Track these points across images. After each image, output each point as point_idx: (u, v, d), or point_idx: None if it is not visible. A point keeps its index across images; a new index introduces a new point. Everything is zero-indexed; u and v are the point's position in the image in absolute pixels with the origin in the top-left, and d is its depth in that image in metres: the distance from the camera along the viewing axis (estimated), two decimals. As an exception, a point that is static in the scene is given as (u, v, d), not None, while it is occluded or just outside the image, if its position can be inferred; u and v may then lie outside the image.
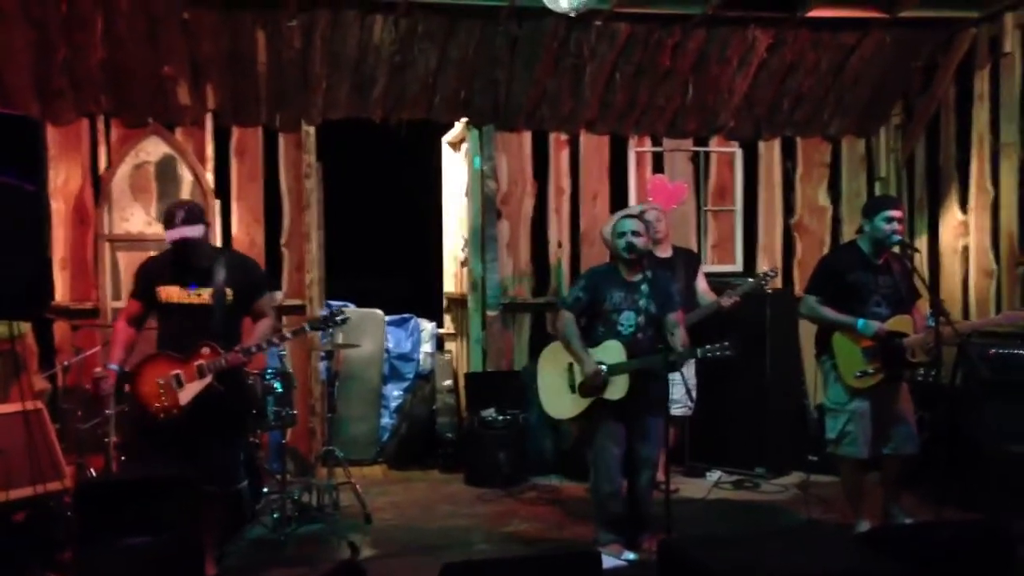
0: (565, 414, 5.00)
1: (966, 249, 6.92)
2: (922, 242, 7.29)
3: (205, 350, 4.31)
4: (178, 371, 4.29)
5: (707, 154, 7.50)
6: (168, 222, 4.31)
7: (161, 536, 3.73)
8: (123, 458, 5.15)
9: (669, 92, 7.05)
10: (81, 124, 6.43)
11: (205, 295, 4.38)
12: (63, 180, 6.39)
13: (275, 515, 5.19)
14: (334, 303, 7.58)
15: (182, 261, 4.37)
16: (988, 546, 4.00)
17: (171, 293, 4.37)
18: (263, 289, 4.65)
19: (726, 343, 4.74)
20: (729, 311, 5.77)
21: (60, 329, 6.29)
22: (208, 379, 4.29)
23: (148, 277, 4.45)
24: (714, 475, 6.49)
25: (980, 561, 3.93)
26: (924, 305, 5.14)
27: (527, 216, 7.24)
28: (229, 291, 4.41)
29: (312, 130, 6.72)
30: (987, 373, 5.51)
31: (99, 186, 6.44)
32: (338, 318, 4.73)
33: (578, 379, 4.85)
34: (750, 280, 5.98)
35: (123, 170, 6.44)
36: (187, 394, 4.28)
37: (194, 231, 4.29)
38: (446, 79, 6.69)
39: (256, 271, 4.73)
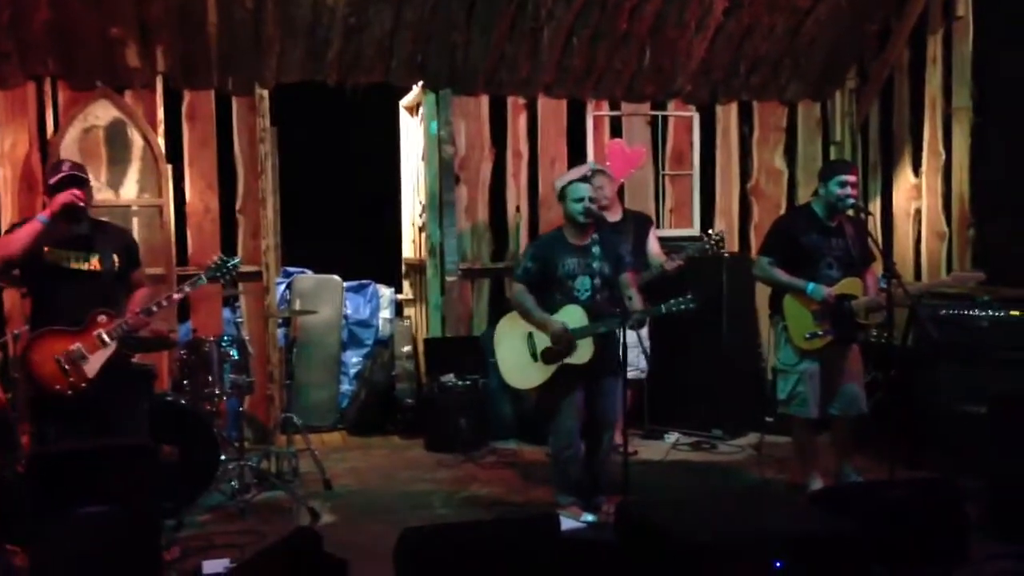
0: (530, 383, 4.99)
1: (918, 212, 7.02)
2: (876, 205, 7.38)
3: (102, 318, 4.20)
4: (77, 344, 4.15)
5: (665, 118, 7.50)
6: (54, 169, 4.21)
7: (117, 505, 3.70)
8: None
9: (626, 56, 7.03)
10: (28, 88, 6.26)
11: (94, 260, 4.25)
12: (10, 145, 6.23)
13: (233, 483, 5.17)
14: (291, 269, 7.52)
15: (68, 219, 4.20)
16: (937, 504, 4.11)
17: (59, 257, 4.19)
18: (140, 259, 4.59)
19: (689, 296, 4.76)
20: (673, 273, 5.78)
21: (10, 297, 6.17)
22: (112, 346, 4.19)
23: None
24: (672, 437, 6.57)
25: (929, 519, 4.03)
26: (878, 267, 5.22)
27: (485, 181, 7.20)
28: (116, 257, 4.31)
29: (266, 94, 6.60)
30: (937, 334, 5.61)
31: (47, 151, 6.28)
32: (231, 263, 4.54)
33: (540, 347, 4.85)
34: (697, 243, 6.00)
35: (71, 135, 6.28)
36: (93, 366, 4.16)
37: (83, 189, 4.20)
38: (402, 42, 6.60)
39: (134, 241, 4.66)
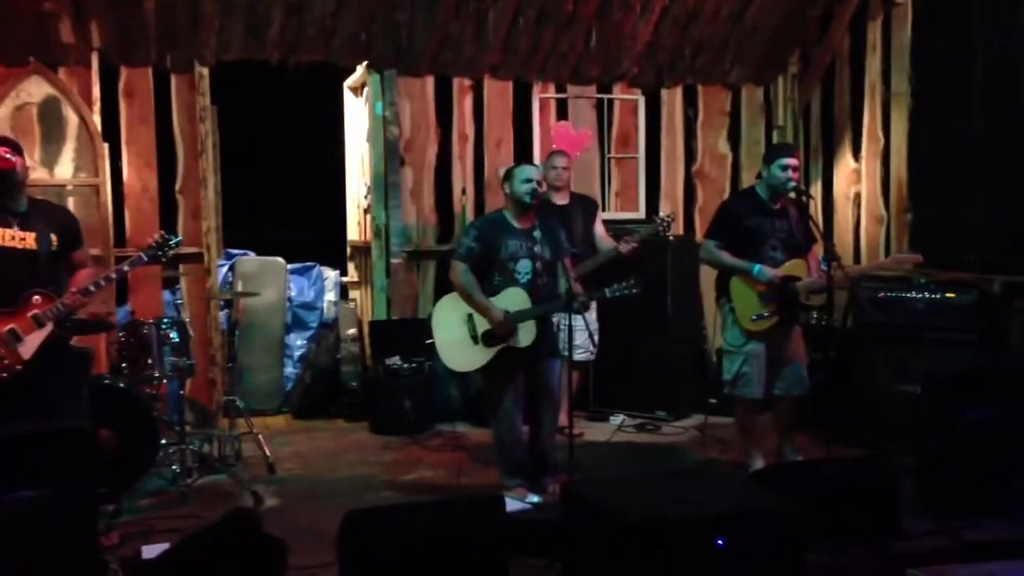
0: (469, 366, 4.96)
1: (858, 196, 7.13)
2: (817, 189, 7.49)
3: (36, 298, 4.09)
4: (11, 325, 4.04)
5: (610, 101, 7.52)
6: None
7: (54, 489, 3.61)
8: None
9: (572, 38, 7.02)
10: (-44, 63, 6.07)
11: (29, 239, 4.13)
12: (-62, 122, 6.04)
13: (174, 467, 5.09)
14: (234, 251, 7.40)
15: (2, 190, 4.09)
16: (872, 481, 4.21)
17: None
18: (82, 240, 4.45)
19: (632, 281, 4.79)
20: (628, 256, 5.82)
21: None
22: (48, 327, 4.09)
23: None
24: (617, 419, 6.61)
25: (864, 495, 4.12)
26: (819, 249, 5.30)
27: (431, 163, 7.15)
28: (54, 236, 4.19)
29: (206, 71, 6.46)
30: (876, 316, 5.73)
31: (-23, 129, 6.10)
32: (172, 242, 4.42)
33: (480, 329, 4.83)
34: (648, 226, 6.04)
35: (3, 112, 6.07)
36: (29, 347, 4.05)
37: (17, 160, 4.07)
38: (345, 21, 6.51)
39: (75, 221, 4.51)
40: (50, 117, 6.17)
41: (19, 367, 4.05)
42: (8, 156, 4.07)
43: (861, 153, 7.08)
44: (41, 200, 4.46)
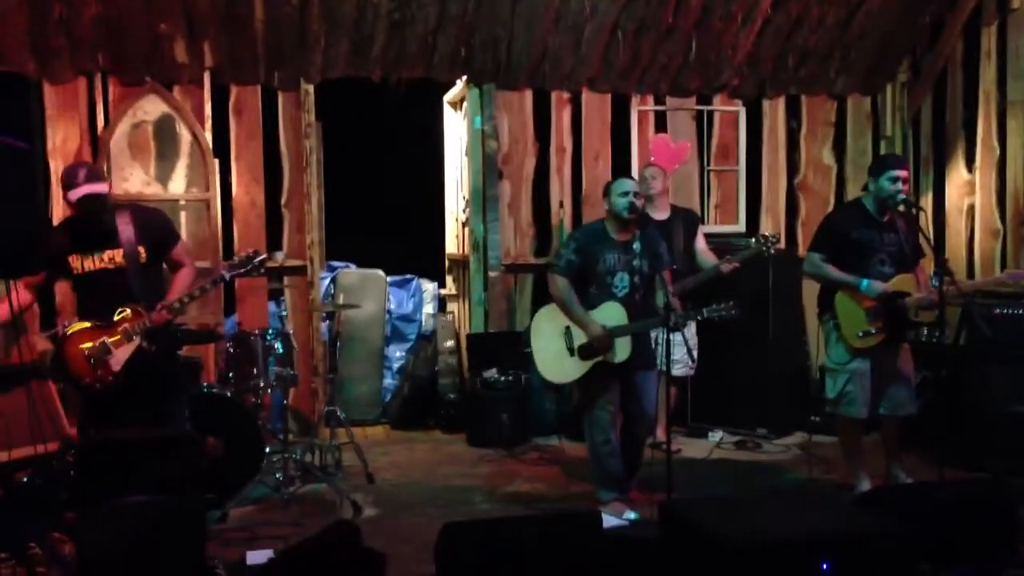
0: (565, 378, 4.98)
1: (972, 208, 6.87)
2: (927, 201, 7.24)
3: (127, 313, 4.25)
4: (103, 338, 4.22)
5: (710, 113, 7.42)
6: (70, 183, 4.17)
7: (163, 494, 3.74)
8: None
9: (672, 50, 6.96)
10: (78, 83, 6.35)
11: (117, 256, 4.29)
12: (61, 140, 6.33)
13: (278, 475, 5.21)
14: (336, 264, 7.56)
15: (89, 223, 4.26)
16: (987, 504, 4.02)
17: (83, 261, 4.27)
18: (175, 237, 4.57)
19: (731, 303, 4.74)
20: (728, 276, 5.74)
21: (61, 289, 6.25)
22: (136, 341, 4.23)
23: (54, 249, 4.27)
24: (716, 435, 6.50)
25: (979, 519, 3.94)
26: (928, 264, 5.11)
27: (528, 176, 7.19)
28: (142, 249, 4.33)
29: (311, 88, 6.64)
30: (990, 333, 5.48)
31: (97, 146, 6.38)
32: (257, 260, 4.53)
33: (577, 342, 4.83)
34: (752, 244, 5.92)
35: (121, 129, 6.37)
36: (118, 360, 4.22)
37: (100, 187, 4.21)
38: (446, 37, 6.60)
39: (164, 222, 4.59)
40: (165, 134, 6.43)
41: (110, 379, 4.22)
42: (96, 189, 4.20)
43: (975, 164, 6.81)
44: (126, 206, 4.54)
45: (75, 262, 4.28)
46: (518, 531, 3.58)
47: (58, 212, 6.27)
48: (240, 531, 4.65)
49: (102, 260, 4.29)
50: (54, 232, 4.49)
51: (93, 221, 4.26)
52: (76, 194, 4.17)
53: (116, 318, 4.25)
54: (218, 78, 6.52)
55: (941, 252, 6.09)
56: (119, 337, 4.23)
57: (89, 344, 4.21)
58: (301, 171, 6.70)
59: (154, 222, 4.50)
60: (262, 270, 4.65)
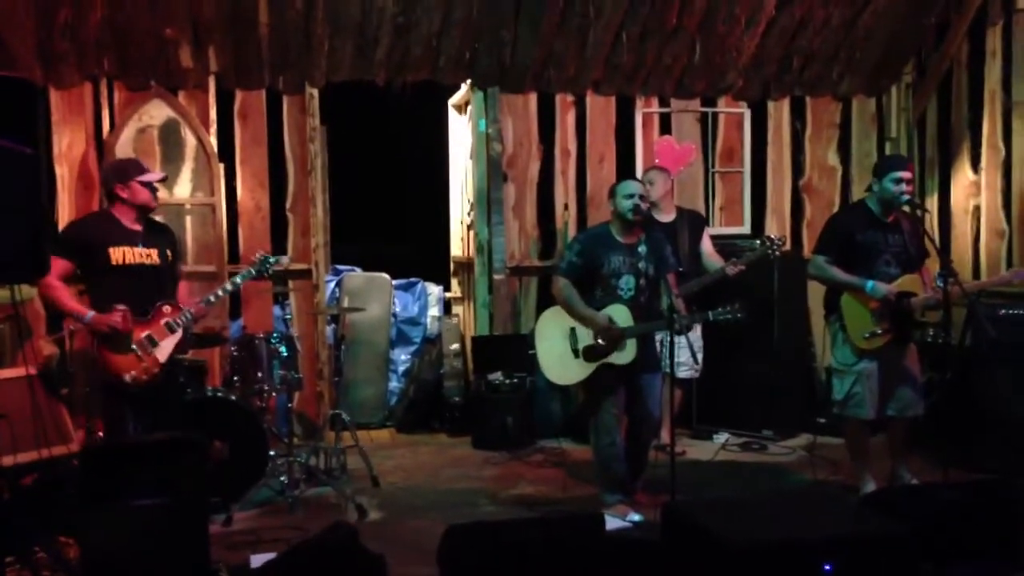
0: (569, 380, 4.98)
1: (977, 209, 6.85)
2: (933, 202, 7.22)
3: (167, 308, 4.46)
4: (148, 331, 4.40)
5: (715, 115, 7.41)
6: (133, 172, 4.46)
7: (168, 497, 3.75)
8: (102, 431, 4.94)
9: (676, 52, 6.96)
10: (84, 88, 6.37)
11: (154, 254, 4.51)
12: (67, 145, 6.35)
13: (282, 478, 5.21)
14: (341, 267, 7.57)
15: (138, 218, 4.49)
16: (991, 505, 4.00)
17: (126, 254, 4.42)
18: (183, 254, 4.89)
19: (736, 306, 4.73)
20: (734, 278, 5.74)
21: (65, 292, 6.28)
22: (179, 333, 4.45)
23: (91, 237, 4.44)
24: (721, 437, 6.49)
25: (983, 520, 3.92)
26: (933, 265, 5.10)
27: (533, 179, 7.19)
28: (168, 252, 4.59)
29: (316, 93, 6.66)
30: (995, 334, 5.46)
31: (103, 150, 6.40)
32: (271, 259, 4.80)
33: (582, 344, 4.82)
34: (757, 246, 5.92)
35: (127, 134, 6.39)
36: (164, 351, 4.42)
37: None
38: (450, 40, 6.61)
39: (175, 236, 4.86)
40: (170, 139, 6.46)
41: (156, 370, 4.40)
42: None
43: (980, 164, 6.79)
44: (150, 217, 4.75)
45: (116, 254, 4.41)
46: (521, 534, 3.58)
47: (64, 217, 6.30)
48: (245, 534, 4.65)
49: (142, 255, 4.46)
50: (90, 221, 4.70)
51: (147, 212, 4.52)
52: (147, 178, 4.46)
53: (156, 312, 4.43)
54: (223, 82, 6.54)
55: (946, 252, 6.07)
56: (162, 330, 4.41)
57: (135, 336, 4.36)
58: (306, 175, 6.71)
59: (169, 234, 4.76)
60: (271, 272, 4.89)
